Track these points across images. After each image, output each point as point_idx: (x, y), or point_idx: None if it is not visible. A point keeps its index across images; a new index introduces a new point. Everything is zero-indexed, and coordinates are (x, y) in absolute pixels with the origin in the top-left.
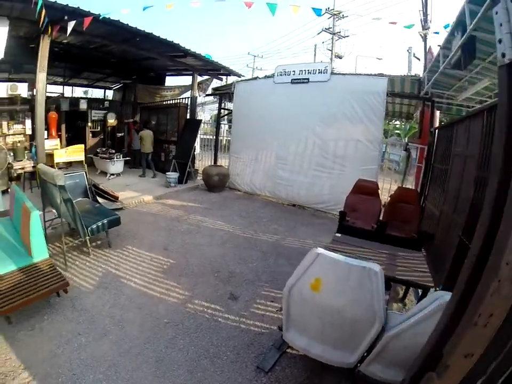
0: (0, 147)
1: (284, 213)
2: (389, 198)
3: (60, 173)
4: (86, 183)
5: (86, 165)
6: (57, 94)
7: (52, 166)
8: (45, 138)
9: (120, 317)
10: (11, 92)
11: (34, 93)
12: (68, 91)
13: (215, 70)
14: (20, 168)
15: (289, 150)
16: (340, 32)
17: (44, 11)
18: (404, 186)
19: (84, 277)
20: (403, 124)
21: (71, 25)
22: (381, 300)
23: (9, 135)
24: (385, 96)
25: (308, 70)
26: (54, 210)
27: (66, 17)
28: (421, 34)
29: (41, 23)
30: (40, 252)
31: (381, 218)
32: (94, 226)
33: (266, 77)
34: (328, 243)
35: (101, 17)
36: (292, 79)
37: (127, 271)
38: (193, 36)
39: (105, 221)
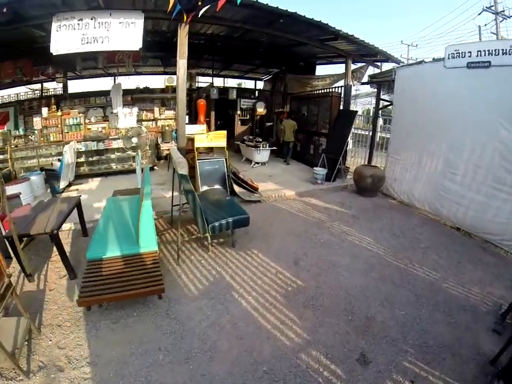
0: (139, 131)
1: (445, 238)
2: None
3: (183, 161)
4: (225, 170)
5: (227, 152)
6: (208, 83)
7: (192, 150)
8: (190, 123)
9: (213, 343)
10: (167, 84)
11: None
12: (220, 82)
13: (371, 55)
14: (166, 149)
15: (461, 156)
16: (503, 11)
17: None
18: None
19: (193, 277)
20: None
21: (203, 10)
22: None
23: (160, 119)
24: None
25: (489, 51)
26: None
27: (199, 3)
28: None
29: (169, 9)
30: (147, 242)
31: None
32: (217, 224)
33: (434, 60)
34: None
35: None
36: (467, 63)
37: (243, 283)
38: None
39: (231, 220)
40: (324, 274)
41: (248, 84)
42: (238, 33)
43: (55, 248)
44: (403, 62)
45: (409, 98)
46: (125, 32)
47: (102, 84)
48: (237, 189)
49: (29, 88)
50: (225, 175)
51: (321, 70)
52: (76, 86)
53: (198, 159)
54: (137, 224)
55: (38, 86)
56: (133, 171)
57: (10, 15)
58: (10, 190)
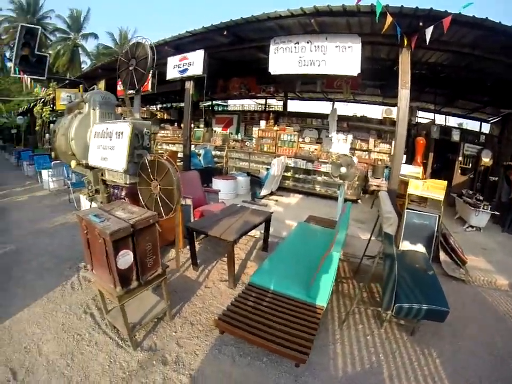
0: (350, 161)
1: None
2: None
3: (393, 218)
4: (435, 229)
5: (443, 207)
6: (429, 120)
7: (403, 196)
8: (405, 163)
9: None
10: (385, 115)
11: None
12: (441, 120)
13: None
14: (375, 185)
15: None
16: None
17: (389, 20)
18: None
19: (349, 353)
20: None
21: (428, 32)
22: None
23: (374, 151)
24: None
25: None
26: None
27: (420, 24)
28: None
29: (384, 30)
30: (318, 295)
31: None
32: (406, 306)
33: None
34: None
35: (461, 10)
36: None
37: None
38: None
39: (425, 308)
40: None
41: (471, 124)
42: (464, 62)
43: None
44: None
45: None
46: (342, 57)
47: (319, 106)
48: (441, 255)
49: (255, 102)
50: (433, 235)
51: None
52: (294, 106)
53: (407, 208)
54: (318, 267)
55: (262, 100)
56: (335, 198)
57: (232, 38)
58: (217, 184)
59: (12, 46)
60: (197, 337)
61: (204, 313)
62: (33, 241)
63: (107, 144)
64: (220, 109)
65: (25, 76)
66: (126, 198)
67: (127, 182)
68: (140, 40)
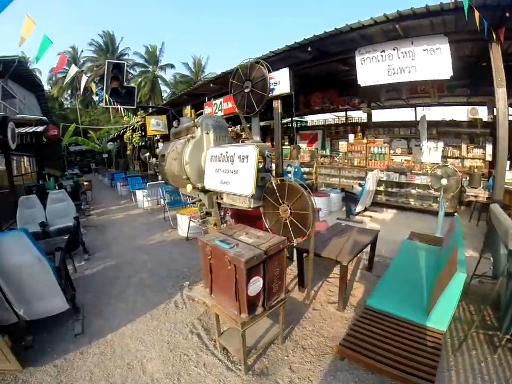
0: (450, 172)
1: None
2: None
3: None
4: None
5: None
6: None
7: (509, 207)
8: (508, 170)
9: None
10: (471, 116)
11: (494, 114)
12: None
13: None
14: (472, 195)
15: None
16: None
17: (477, 14)
18: None
19: (464, 381)
20: None
21: None
22: None
23: (467, 158)
24: None
25: None
26: (491, 260)
27: (507, 14)
28: None
29: (477, 25)
30: (439, 319)
31: None
32: None
33: None
34: None
35: None
36: None
37: None
38: None
39: None
40: None
41: None
42: None
43: (335, 270)
44: None
45: None
46: (431, 60)
47: (401, 114)
48: None
49: (334, 115)
50: None
51: None
52: (377, 115)
53: None
54: (433, 289)
55: (341, 113)
56: (431, 212)
57: (314, 53)
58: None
59: (96, 82)
60: (310, 362)
61: (314, 336)
62: (132, 257)
63: (228, 168)
64: (299, 125)
65: (118, 106)
66: (231, 219)
67: (251, 206)
68: (248, 61)
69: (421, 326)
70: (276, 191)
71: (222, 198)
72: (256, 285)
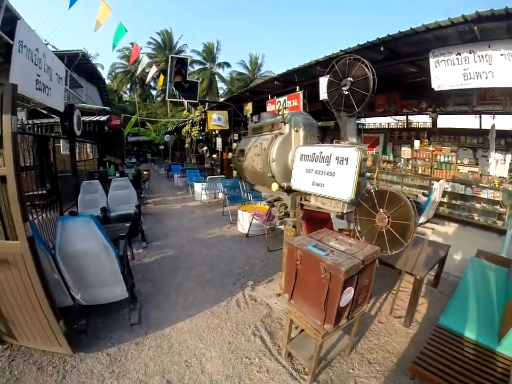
0: None
1: None
2: None
3: None
4: None
5: None
6: None
7: None
8: None
9: None
10: None
11: None
12: None
13: None
14: None
15: None
16: None
17: None
18: None
19: None
20: None
21: None
22: None
23: None
24: None
25: None
26: None
27: None
28: None
29: None
30: (510, 346)
31: None
32: None
33: None
34: None
35: None
36: None
37: None
38: None
39: None
40: None
41: None
42: None
43: (404, 282)
44: None
45: None
46: (509, 66)
47: (465, 121)
48: None
49: (394, 119)
50: None
51: None
52: (441, 121)
53: None
54: (504, 313)
55: (401, 117)
56: (495, 229)
57: (386, 53)
58: None
59: (155, 77)
60: (375, 378)
61: (380, 351)
62: (191, 250)
63: (323, 169)
64: (359, 128)
65: (182, 99)
66: (302, 221)
67: (344, 211)
68: (349, 58)
69: (490, 351)
70: (374, 197)
71: (307, 200)
72: (347, 296)
